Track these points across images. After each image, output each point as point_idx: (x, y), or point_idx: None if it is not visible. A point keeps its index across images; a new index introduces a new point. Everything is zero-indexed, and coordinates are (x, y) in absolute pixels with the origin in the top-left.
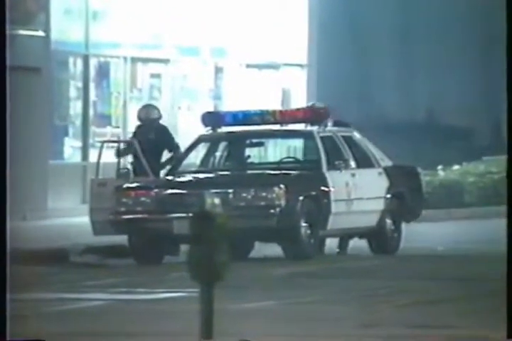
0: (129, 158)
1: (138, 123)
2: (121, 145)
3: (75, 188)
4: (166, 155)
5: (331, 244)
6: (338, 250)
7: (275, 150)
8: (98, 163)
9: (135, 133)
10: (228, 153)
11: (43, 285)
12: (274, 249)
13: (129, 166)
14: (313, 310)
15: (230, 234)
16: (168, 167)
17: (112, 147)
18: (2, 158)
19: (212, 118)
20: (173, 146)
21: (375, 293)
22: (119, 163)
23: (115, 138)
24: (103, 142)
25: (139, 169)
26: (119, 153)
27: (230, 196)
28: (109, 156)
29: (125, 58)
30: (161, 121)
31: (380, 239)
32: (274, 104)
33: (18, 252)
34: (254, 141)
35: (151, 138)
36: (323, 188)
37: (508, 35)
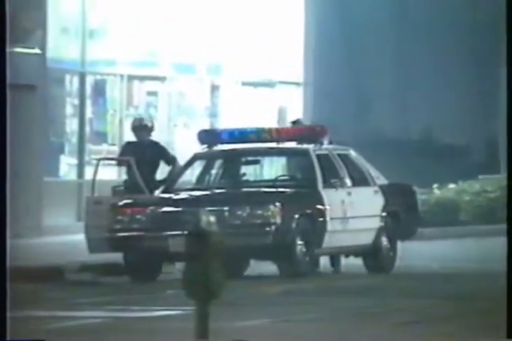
0: (124, 176)
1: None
2: (106, 158)
3: (71, 206)
4: (161, 170)
5: (326, 262)
6: (332, 268)
7: (271, 168)
8: (94, 180)
9: (125, 151)
10: (224, 171)
11: (38, 303)
12: (269, 267)
13: (124, 184)
14: (308, 328)
15: (225, 252)
16: (164, 183)
17: (109, 164)
18: (2, 174)
19: (208, 136)
20: (170, 158)
21: (370, 312)
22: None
23: (111, 156)
24: (99, 159)
25: (134, 186)
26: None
27: (226, 214)
28: (105, 174)
29: (121, 76)
30: (157, 139)
31: (376, 257)
32: (270, 122)
33: (13, 270)
34: (250, 158)
35: (147, 154)
36: (318, 206)
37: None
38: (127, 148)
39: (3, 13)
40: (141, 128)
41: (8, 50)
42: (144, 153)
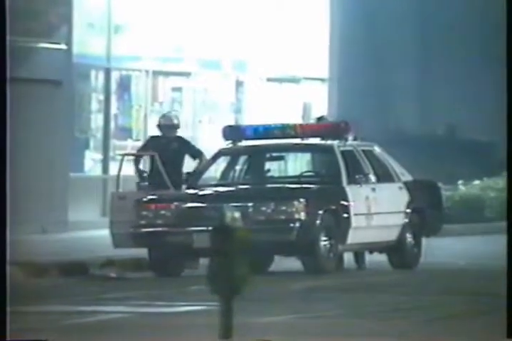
0: (148, 171)
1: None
2: (129, 154)
3: (96, 201)
4: (187, 165)
5: (351, 258)
6: (356, 264)
7: (295, 164)
8: (119, 175)
9: (148, 146)
10: (248, 167)
11: (63, 298)
12: (293, 263)
13: (148, 179)
14: (332, 324)
15: (249, 248)
16: (192, 177)
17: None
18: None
19: (233, 132)
20: (197, 153)
21: (395, 308)
22: (140, 174)
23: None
24: (124, 155)
25: (159, 182)
26: (137, 163)
27: (250, 210)
28: (129, 169)
29: (146, 71)
30: (182, 134)
31: (400, 253)
32: (295, 118)
33: (38, 264)
34: (275, 154)
35: (172, 149)
36: (343, 202)
37: (507, 37)
38: (150, 143)
39: (3, 7)
40: (169, 127)
41: (32, 45)
42: (168, 147)
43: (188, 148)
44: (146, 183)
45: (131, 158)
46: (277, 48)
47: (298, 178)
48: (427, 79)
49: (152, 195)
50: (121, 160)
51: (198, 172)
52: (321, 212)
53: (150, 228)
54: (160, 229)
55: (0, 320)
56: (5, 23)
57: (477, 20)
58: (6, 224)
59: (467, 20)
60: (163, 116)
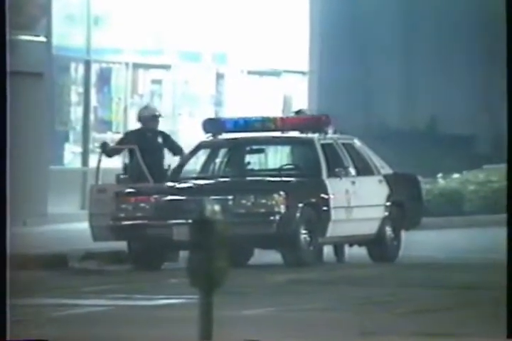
0: (128, 164)
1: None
2: (109, 145)
3: (75, 194)
4: (168, 159)
5: (330, 251)
6: (336, 257)
7: (275, 157)
8: (98, 168)
9: (128, 139)
10: (228, 160)
11: (42, 291)
12: (273, 256)
13: (129, 172)
14: (312, 317)
15: (229, 241)
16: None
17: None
18: (2, 162)
19: (213, 125)
20: (177, 149)
21: (375, 301)
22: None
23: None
24: (104, 143)
25: (139, 175)
26: (107, 152)
27: (230, 202)
28: (109, 162)
29: (126, 64)
30: (162, 127)
31: (380, 246)
32: (275, 111)
33: (18, 257)
34: (255, 147)
35: (155, 141)
36: (322, 195)
37: (508, 37)
38: (131, 135)
39: (3, 1)
40: (151, 118)
41: (11, 37)
42: (151, 140)
43: (171, 143)
44: (126, 176)
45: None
46: (258, 41)
47: (278, 171)
48: (407, 73)
49: (131, 187)
50: (101, 153)
51: (178, 165)
52: (300, 205)
53: (129, 221)
54: (139, 221)
55: None
56: (4, 18)
57: (463, 14)
58: (6, 217)
59: (452, 13)
60: (145, 107)
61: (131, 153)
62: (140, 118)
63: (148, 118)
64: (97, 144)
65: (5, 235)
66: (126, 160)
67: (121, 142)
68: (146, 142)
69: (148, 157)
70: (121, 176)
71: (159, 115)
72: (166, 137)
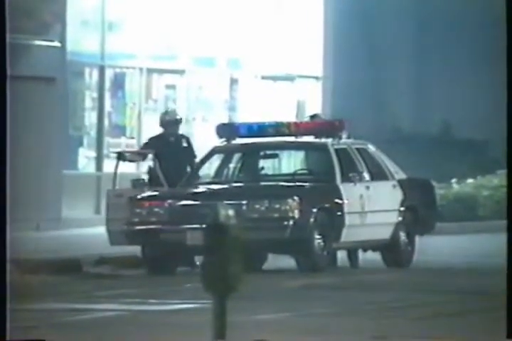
0: (152, 168)
1: (153, 133)
2: (125, 154)
3: (89, 198)
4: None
5: (344, 256)
6: (350, 262)
7: (289, 162)
8: (115, 173)
9: (151, 143)
10: (242, 165)
11: (56, 295)
12: (287, 261)
13: (145, 176)
14: (326, 322)
15: (243, 246)
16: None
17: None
18: (2, 167)
19: (227, 130)
20: (192, 157)
21: (388, 306)
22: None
23: (130, 150)
24: (120, 153)
25: (157, 180)
26: (123, 158)
27: (244, 207)
28: (125, 167)
29: (140, 69)
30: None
31: (394, 251)
32: (289, 116)
33: (32, 262)
34: (269, 152)
35: (181, 146)
36: (336, 200)
37: (508, 37)
38: (152, 141)
39: (3, 4)
40: (174, 122)
41: (25, 42)
42: (171, 145)
43: (191, 149)
44: (142, 181)
45: (127, 155)
46: (272, 46)
47: (292, 176)
48: (421, 77)
49: (146, 192)
50: (118, 158)
51: (193, 170)
52: (314, 210)
53: (143, 225)
54: (153, 226)
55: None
56: (4, 21)
57: (476, 19)
58: (5, 221)
59: (465, 18)
60: (167, 112)
61: (155, 157)
62: (162, 123)
63: (171, 122)
64: (111, 149)
65: (5, 239)
66: (151, 165)
67: (144, 147)
68: (170, 146)
69: (172, 161)
70: (137, 181)
71: (180, 119)
72: (189, 141)
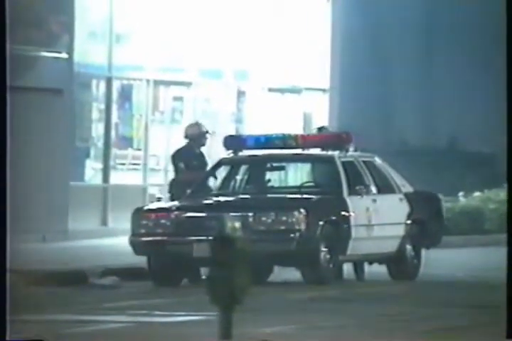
0: (173, 181)
1: (159, 146)
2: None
3: (96, 210)
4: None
5: (350, 269)
6: (356, 275)
7: (296, 175)
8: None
9: (179, 156)
10: (249, 177)
11: (62, 307)
12: (293, 274)
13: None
14: (332, 334)
15: (249, 258)
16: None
17: (134, 169)
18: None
19: (234, 142)
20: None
21: (394, 319)
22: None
23: (137, 162)
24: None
25: (178, 192)
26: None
27: (250, 220)
28: (130, 178)
29: (148, 81)
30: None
31: (400, 264)
32: (296, 128)
33: (38, 273)
34: (275, 164)
35: (203, 158)
36: (343, 213)
37: (508, 38)
38: (179, 153)
39: (3, 14)
40: (201, 135)
41: (33, 53)
42: (197, 158)
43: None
44: (159, 199)
45: (132, 167)
46: (279, 58)
47: (298, 189)
48: (428, 90)
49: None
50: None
51: (199, 182)
52: (321, 222)
53: (150, 237)
54: (159, 238)
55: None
56: (4, 32)
57: (483, 31)
58: (6, 232)
59: (472, 30)
60: (194, 124)
61: (177, 171)
62: (187, 136)
63: (199, 135)
64: (118, 161)
65: (5, 250)
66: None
67: (173, 160)
68: (196, 159)
69: (197, 173)
70: (156, 200)
71: (207, 132)
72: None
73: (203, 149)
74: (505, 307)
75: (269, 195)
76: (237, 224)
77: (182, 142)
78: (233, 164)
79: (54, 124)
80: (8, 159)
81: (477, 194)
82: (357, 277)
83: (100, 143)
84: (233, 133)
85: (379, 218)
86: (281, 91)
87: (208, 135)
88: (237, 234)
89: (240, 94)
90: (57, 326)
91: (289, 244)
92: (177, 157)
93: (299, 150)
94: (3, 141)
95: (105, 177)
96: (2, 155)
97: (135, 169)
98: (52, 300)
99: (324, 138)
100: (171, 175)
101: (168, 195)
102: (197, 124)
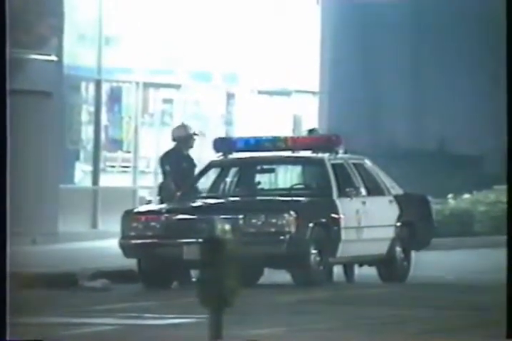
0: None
1: (149, 148)
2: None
3: (86, 212)
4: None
5: (340, 271)
6: (346, 277)
7: (286, 177)
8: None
9: (166, 159)
10: (239, 179)
11: (52, 310)
12: (283, 276)
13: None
14: (322, 337)
15: (239, 260)
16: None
17: (124, 171)
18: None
19: (223, 144)
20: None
21: (384, 321)
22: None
23: (126, 164)
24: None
25: (172, 195)
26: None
27: (240, 222)
28: (119, 180)
29: (137, 83)
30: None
31: (390, 266)
32: (286, 131)
33: (28, 276)
34: (265, 167)
35: (191, 161)
36: (333, 215)
37: (507, 39)
38: (167, 156)
39: (4, 18)
40: (189, 137)
41: (22, 56)
42: (186, 160)
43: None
44: (149, 201)
45: (121, 169)
46: (268, 61)
47: (288, 191)
48: (417, 92)
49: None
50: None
51: (189, 184)
52: (311, 224)
53: (140, 239)
54: (149, 240)
55: None
56: (4, 35)
57: (473, 35)
58: (6, 235)
59: (462, 34)
60: (180, 126)
61: (165, 174)
62: (175, 138)
63: (186, 136)
64: (108, 163)
65: (5, 253)
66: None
67: (161, 163)
68: (185, 161)
69: (186, 176)
70: (147, 202)
71: (194, 133)
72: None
73: (192, 151)
74: (505, 307)
75: (259, 198)
76: (227, 227)
77: (171, 144)
78: (223, 166)
79: (44, 127)
80: (7, 162)
81: (466, 196)
82: (347, 279)
83: (90, 146)
84: (223, 135)
85: (369, 220)
86: (271, 93)
87: (195, 136)
88: (227, 236)
89: (230, 96)
90: (47, 328)
91: (279, 246)
92: (165, 160)
93: (288, 153)
94: (3, 142)
95: (95, 180)
96: (2, 156)
97: (125, 171)
98: (42, 302)
99: (314, 141)
100: (161, 177)
101: (158, 198)
102: (183, 126)
